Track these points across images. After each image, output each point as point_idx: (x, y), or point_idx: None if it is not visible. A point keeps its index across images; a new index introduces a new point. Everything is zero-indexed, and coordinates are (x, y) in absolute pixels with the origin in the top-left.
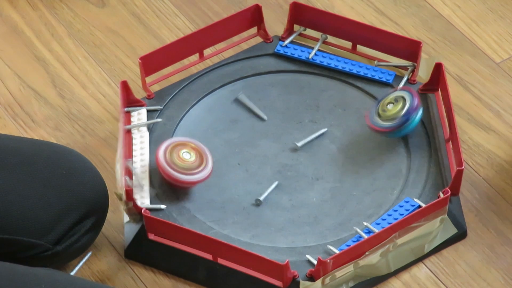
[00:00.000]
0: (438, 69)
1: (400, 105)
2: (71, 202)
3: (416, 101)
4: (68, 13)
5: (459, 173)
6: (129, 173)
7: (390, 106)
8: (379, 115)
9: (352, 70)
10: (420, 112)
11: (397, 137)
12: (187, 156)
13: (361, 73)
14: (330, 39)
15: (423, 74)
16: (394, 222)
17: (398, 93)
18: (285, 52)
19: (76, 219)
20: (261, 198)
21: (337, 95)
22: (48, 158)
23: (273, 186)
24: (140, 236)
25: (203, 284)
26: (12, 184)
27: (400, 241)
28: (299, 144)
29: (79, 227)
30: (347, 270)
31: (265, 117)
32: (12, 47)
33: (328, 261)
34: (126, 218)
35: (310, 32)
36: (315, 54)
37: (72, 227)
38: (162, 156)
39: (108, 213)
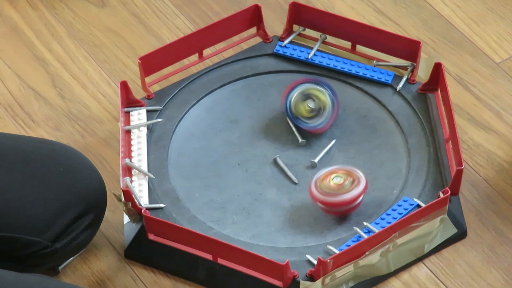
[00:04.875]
0: (437, 69)
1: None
2: (69, 199)
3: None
4: (68, 13)
5: (459, 173)
6: (128, 173)
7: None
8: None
9: (351, 70)
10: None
11: (399, 137)
12: (338, 180)
13: (361, 73)
14: (330, 39)
15: (423, 74)
16: (394, 221)
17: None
18: (284, 52)
19: (74, 216)
20: (316, 160)
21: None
22: (45, 155)
23: (331, 144)
24: (140, 236)
25: (203, 284)
26: (9, 182)
27: (400, 241)
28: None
29: (78, 224)
30: (347, 270)
31: (296, 180)
32: (12, 47)
33: (328, 261)
34: (126, 218)
35: (309, 32)
36: (315, 54)
37: (71, 224)
38: (314, 188)
39: (108, 213)
